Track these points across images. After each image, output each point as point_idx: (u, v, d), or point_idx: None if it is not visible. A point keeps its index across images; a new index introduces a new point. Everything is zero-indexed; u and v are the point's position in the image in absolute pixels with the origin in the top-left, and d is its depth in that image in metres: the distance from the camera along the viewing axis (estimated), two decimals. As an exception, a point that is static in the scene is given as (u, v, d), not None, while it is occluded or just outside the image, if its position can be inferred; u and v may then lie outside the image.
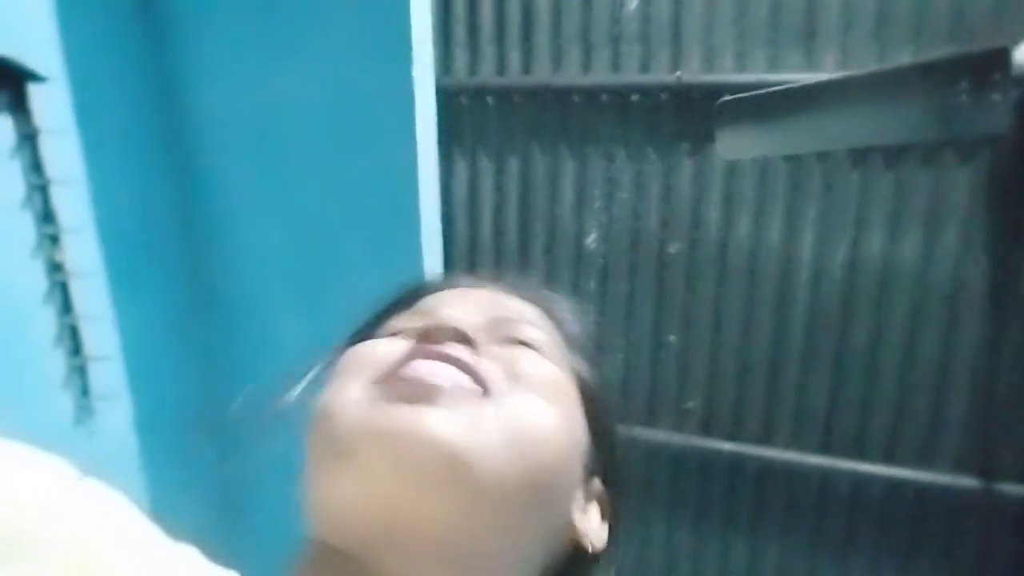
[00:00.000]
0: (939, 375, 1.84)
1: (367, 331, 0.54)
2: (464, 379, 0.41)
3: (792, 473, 2.01)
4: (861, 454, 1.93)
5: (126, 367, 1.36)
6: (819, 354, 1.95)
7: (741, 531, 2.06)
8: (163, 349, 1.42)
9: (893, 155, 1.81)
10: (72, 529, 0.35)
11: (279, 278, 1.35)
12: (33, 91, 1.11)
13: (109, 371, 1.33)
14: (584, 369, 0.51)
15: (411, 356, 0.42)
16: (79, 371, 1.27)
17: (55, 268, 1.18)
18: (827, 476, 1.98)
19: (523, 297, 0.54)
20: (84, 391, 1.28)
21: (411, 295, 0.56)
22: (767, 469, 2.03)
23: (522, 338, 0.48)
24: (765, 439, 2.02)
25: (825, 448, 1.98)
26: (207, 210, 1.34)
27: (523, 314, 0.51)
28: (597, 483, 0.50)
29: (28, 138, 1.11)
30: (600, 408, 0.50)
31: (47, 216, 1.15)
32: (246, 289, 1.38)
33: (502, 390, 0.41)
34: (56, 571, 0.34)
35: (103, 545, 0.36)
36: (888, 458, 1.92)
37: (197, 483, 1.37)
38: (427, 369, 0.41)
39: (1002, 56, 1.38)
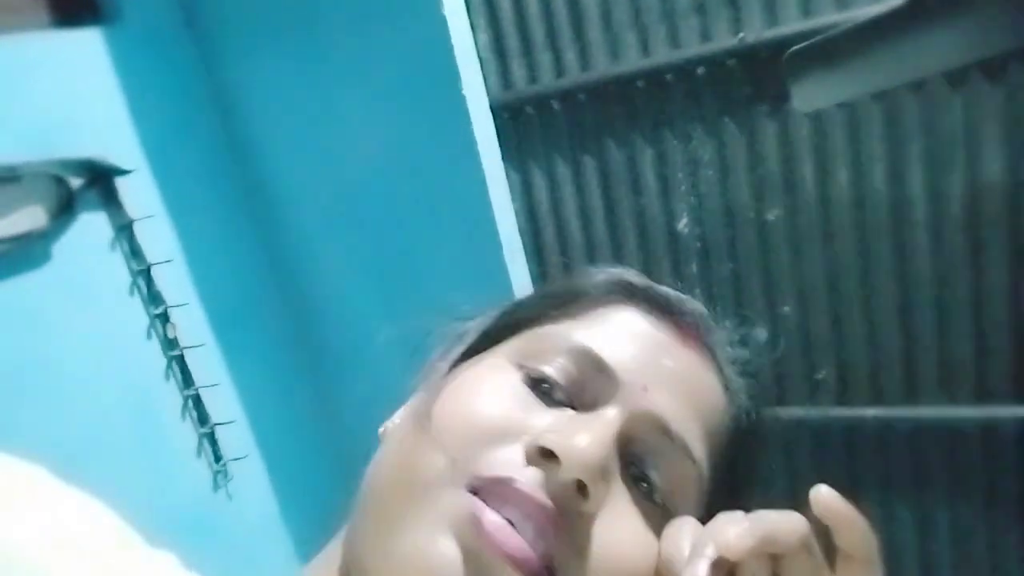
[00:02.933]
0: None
1: (498, 332, 0.49)
2: (535, 560, 0.36)
3: (948, 429, 1.85)
4: (1020, 397, 1.76)
5: (252, 429, 1.43)
6: (955, 298, 1.79)
7: (903, 498, 1.92)
8: (283, 406, 1.48)
9: (998, 67, 1.65)
10: (62, 547, 0.34)
11: (374, 320, 1.38)
12: (121, 185, 1.20)
13: (237, 435, 1.39)
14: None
15: (506, 497, 0.36)
16: (209, 438, 1.34)
17: (170, 344, 1.26)
18: (988, 426, 1.81)
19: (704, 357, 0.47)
20: (217, 456, 1.35)
21: (566, 295, 0.49)
22: (919, 428, 1.88)
23: (649, 479, 0.41)
24: (911, 397, 1.88)
25: (981, 397, 1.82)
26: (297, 266, 1.39)
27: (684, 433, 0.43)
28: None
29: (124, 228, 1.20)
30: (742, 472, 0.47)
31: (153, 298, 1.23)
32: (346, 335, 1.42)
33: None
34: None
35: (95, 563, 0.35)
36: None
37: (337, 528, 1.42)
38: (507, 540, 0.35)
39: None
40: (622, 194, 2.02)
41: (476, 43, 1.46)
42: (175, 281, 1.27)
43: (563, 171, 2.06)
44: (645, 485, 0.41)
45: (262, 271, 1.42)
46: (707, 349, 0.48)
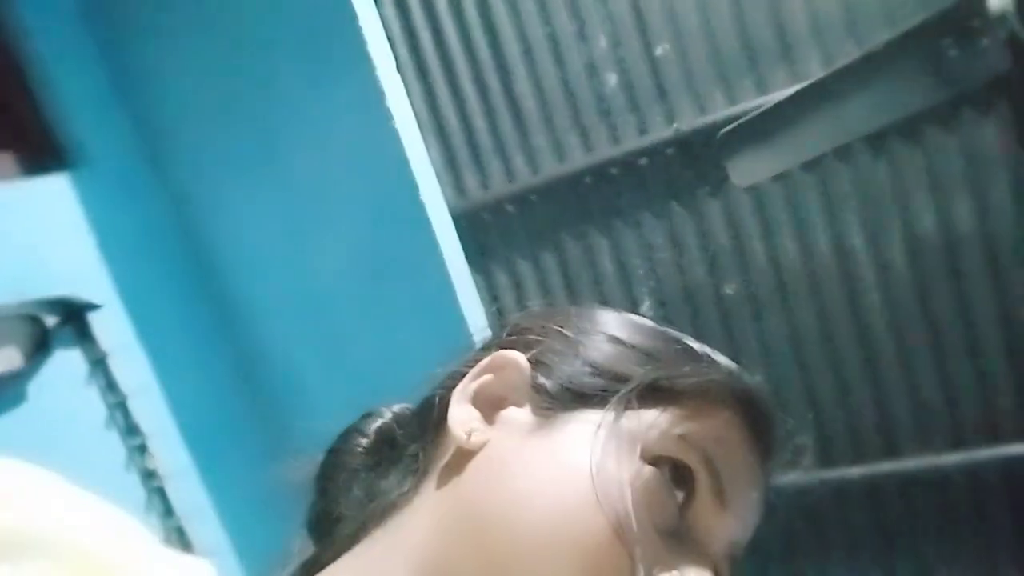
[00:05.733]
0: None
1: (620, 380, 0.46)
2: None
3: (935, 478, 1.87)
4: (997, 438, 1.80)
5: (237, 557, 1.39)
6: (915, 347, 1.86)
7: (903, 553, 1.91)
8: (269, 532, 1.45)
9: (911, 129, 1.79)
10: (80, 530, 0.34)
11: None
12: (94, 320, 1.22)
13: (223, 563, 1.35)
14: None
15: None
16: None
17: (149, 475, 1.24)
18: (972, 470, 1.83)
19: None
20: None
21: (687, 378, 0.46)
22: (908, 481, 1.89)
23: None
24: (892, 451, 1.90)
25: (959, 442, 1.85)
26: (272, 383, 1.40)
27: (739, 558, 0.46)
28: None
29: (99, 363, 1.21)
30: None
31: (130, 429, 1.23)
32: (325, 446, 1.41)
33: None
34: (66, 571, 0.33)
35: (107, 546, 0.35)
36: (1029, 433, 1.78)
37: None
38: None
39: (975, 3, 1.38)
40: (583, 285, 2.08)
41: (429, 158, 1.55)
42: (152, 413, 1.27)
43: (525, 269, 2.13)
44: None
45: (240, 395, 1.43)
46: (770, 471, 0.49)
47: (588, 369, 0.46)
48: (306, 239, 1.40)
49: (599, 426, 0.42)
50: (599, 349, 0.47)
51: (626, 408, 0.43)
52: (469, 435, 0.45)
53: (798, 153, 1.58)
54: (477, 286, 1.85)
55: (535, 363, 0.47)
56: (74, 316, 1.19)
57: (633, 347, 0.48)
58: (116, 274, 1.27)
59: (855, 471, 1.94)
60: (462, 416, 0.46)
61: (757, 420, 0.47)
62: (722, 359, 0.51)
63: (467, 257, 1.50)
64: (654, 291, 2.02)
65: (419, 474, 0.48)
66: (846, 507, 1.96)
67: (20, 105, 1.20)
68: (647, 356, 0.47)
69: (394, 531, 0.46)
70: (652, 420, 0.43)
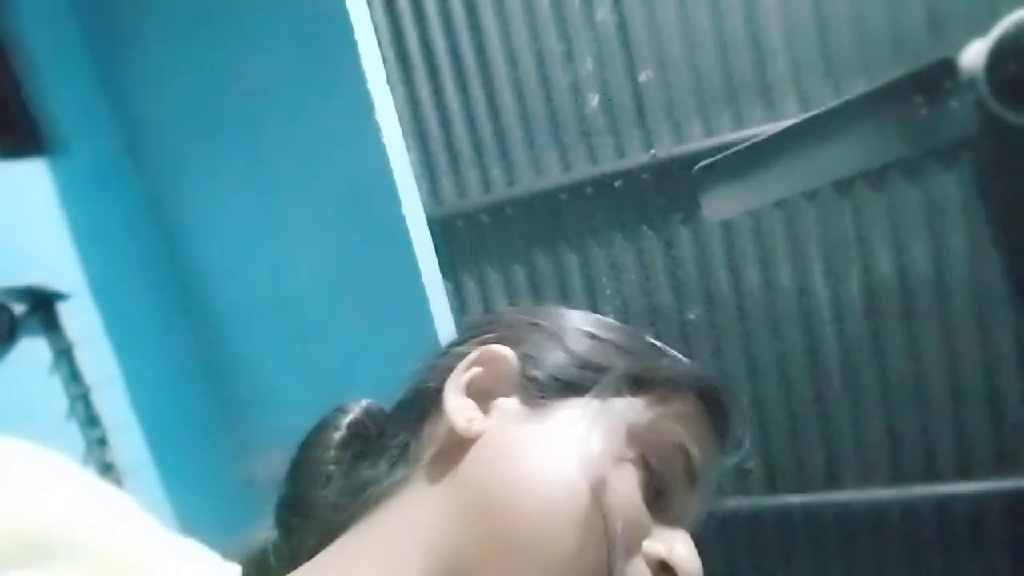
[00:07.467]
0: (986, 378, 1.81)
1: (598, 370, 0.51)
2: None
3: (872, 510, 1.95)
4: (936, 475, 1.88)
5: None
6: (863, 384, 1.93)
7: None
8: (226, 533, 1.45)
9: (877, 178, 1.85)
10: (101, 529, 0.35)
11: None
12: (63, 310, 1.20)
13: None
14: None
15: None
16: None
17: (107, 468, 1.23)
18: (909, 506, 1.91)
19: None
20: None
21: (657, 372, 0.51)
22: (844, 512, 1.97)
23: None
24: (833, 483, 1.98)
25: (899, 478, 1.93)
26: (239, 383, 1.40)
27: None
28: None
29: (63, 353, 1.19)
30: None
31: (91, 421, 1.22)
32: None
33: None
34: (92, 573, 0.34)
35: (133, 546, 0.36)
36: (964, 473, 1.86)
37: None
38: None
39: (948, 66, 1.44)
40: (551, 299, 2.11)
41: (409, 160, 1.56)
42: (114, 406, 1.26)
43: (494, 279, 2.15)
44: None
45: (203, 389, 1.42)
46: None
47: (573, 361, 0.51)
48: (281, 240, 1.40)
49: (586, 410, 0.48)
50: (581, 343, 0.52)
51: (612, 395, 0.49)
52: (470, 423, 0.48)
53: (769, 193, 1.63)
54: (446, 293, 1.87)
55: (522, 357, 0.51)
56: (42, 305, 1.18)
57: (609, 342, 0.53)
58: (87, 264, 1.25)
59: (795, 499, 2.01)
60: (460, 405, 0.49)
61: (719, 407, 0.53)
62: (679, 355, 0.56)
63: (439, 263, 1.52)
64: (619, 311, 2.06)
65: (409, 463, 0.50)
66: (784, 533, 2.03)
67: (2, 89, 1.18)
68: (622, 350, 0.52)
69: (392, 518, 0.48)
70: (634, 406, 0.49)
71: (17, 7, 1.18)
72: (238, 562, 0.47)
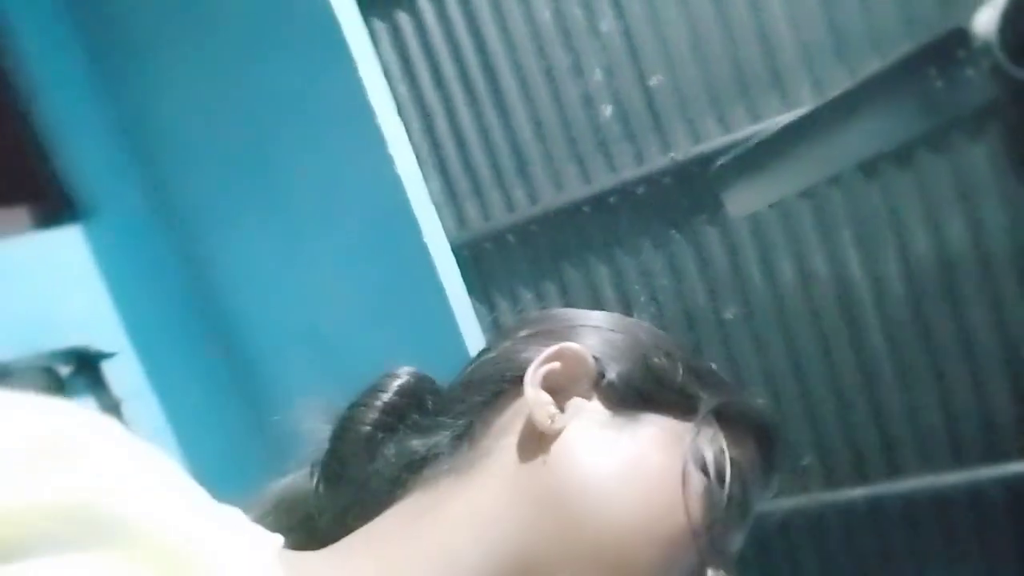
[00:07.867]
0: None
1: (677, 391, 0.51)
2: None
3: (938, 495, 1.89)
4: (997, 456, 1.81)
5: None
6: (915, 367, 1.88)
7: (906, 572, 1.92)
8: None
9: (903, 156, 1.82)
10: (153, 504, 0.32)
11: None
12: (107, 368, 1.24)
13: None
14: None
15: None
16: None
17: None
18: (974, 489, 1.85)
19: None
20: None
21: (724, 398, 0.51)
22: (910, 501, 1.91)
23: None
24: (894, 471, 1.92)
25: (960, 461, 1.87)
26: (284, 430, 1.43)
27: None
28: None
29: (112, 409, 1.23)
30: None
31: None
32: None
33: None
34: (148, 555, 0.31)
35: (185, 522, 0.33)
36: (1027, 450, 1.79)
37: None
38: None
39: (959, 35, 1.42)
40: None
41: (429, 190, 1.58)
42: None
43: (527, 298, 2.16)
44: None
45: (248, 433, 1.45)
46: None
47: (652, 376, 0.50)
48: (310, 279, 1.43)
49: (691, 438, 0.48)
50: (659, 358, 0.51)
51: (706, 425, 0.49)
52: (552, 419, 0.47)
53: (791, 183, 1.61)
54: (480, 315, 1.88)
55: (596, 359, 0.50)
56: (87, 365, 1.22)
57: (683, 362, 0.52)
58: (127, 321, 1.30)
59: (858, 492, 1.95)
60: (540, 399, 0.48)
61: (773, 450, 0.54)
62: (736, 384, 0.57)
63: (469, 287, 1.53)
64: (655, 318, 2.05)
65: (472, 446, 0.49)
66: (849, 528, 1.97)
67: (32, 161, 1.23)
68: (694, 373, 0.52)
69: (452, 504, 0.47)
70: (716, 440, 0.49)
71: (38, 81, 1.23)
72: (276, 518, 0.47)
